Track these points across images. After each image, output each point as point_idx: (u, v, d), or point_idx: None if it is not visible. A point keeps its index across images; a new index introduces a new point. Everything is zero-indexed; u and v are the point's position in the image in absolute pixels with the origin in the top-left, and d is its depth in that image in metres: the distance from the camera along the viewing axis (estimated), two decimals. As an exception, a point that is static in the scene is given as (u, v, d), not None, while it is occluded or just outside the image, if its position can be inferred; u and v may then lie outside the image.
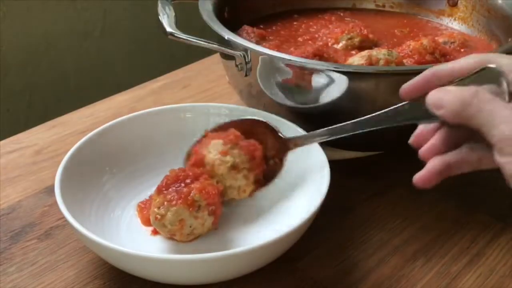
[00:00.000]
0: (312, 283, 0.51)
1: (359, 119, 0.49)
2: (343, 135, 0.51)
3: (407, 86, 0.46)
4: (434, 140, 0.45)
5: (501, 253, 0.54)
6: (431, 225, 0.57)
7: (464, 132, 0.43)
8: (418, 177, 0.44)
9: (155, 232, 0.53)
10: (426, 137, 0.45)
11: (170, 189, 0.51)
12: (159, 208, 0.50)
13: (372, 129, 0.48)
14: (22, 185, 0.63)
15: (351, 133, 0.50)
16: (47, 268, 0.52)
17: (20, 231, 0.56)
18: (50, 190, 0.60)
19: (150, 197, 0.55)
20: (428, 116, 0.43)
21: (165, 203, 0.50)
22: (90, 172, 0.56)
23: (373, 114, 0.48)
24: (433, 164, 0.44)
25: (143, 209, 0.55)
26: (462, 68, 0.44)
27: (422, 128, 0.46)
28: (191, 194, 0.50)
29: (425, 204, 0.60)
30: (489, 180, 0.63)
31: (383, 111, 0.47)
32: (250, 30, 0.70)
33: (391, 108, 0.47)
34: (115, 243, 0.47)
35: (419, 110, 0.44)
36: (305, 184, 0.56)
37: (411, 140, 0.47)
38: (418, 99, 0.45)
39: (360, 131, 0.49)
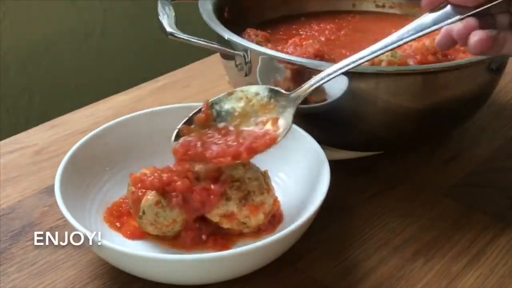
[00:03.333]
0: (312, 283, 0.51)
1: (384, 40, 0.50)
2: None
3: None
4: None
5: (501, 253, 0.54)
6: (431, 225, 0.57)
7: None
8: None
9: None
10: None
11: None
12: (164, 198, 0.50)
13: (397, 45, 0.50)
14: (22, 185, 0.63)
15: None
16: (47, 268, 0.52)
17: (20, 231, 0.56)
18: (50, 190, 0.60)
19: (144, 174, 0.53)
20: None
21: (167, 199, 0.50)
22: (90, 172, 0.56)
23: (397, 33, 0.50)
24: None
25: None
26: None
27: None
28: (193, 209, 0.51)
29: (425, 204, 0.60)
30: (489, 180, 0.63)
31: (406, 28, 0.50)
32: (252, 33, 0.69)
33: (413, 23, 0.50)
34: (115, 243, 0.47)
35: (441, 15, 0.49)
36: (305, 184, 0.56)
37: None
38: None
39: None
